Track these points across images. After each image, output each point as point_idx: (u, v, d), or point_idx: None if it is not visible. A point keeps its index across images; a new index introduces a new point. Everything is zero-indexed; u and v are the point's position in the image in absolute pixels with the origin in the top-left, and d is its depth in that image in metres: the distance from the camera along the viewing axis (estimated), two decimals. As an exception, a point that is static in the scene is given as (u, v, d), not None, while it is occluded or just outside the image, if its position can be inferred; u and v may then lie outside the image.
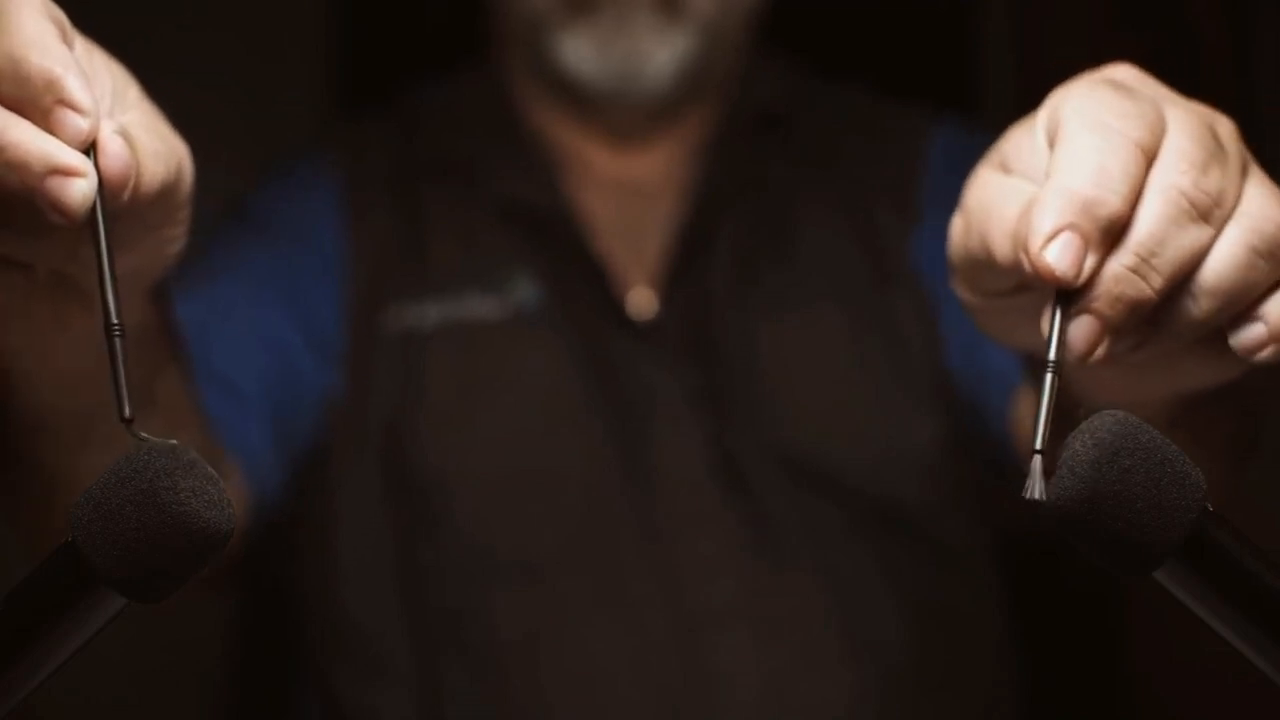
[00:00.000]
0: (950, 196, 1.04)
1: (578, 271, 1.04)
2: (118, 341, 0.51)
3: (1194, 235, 0.53)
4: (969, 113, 1.64)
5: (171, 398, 0.73)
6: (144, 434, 0.49)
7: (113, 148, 0.52)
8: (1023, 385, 0.89)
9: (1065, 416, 0.50)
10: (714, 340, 1.03)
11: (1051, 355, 0.52)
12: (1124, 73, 0.58)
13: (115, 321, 0.51)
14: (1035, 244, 0.52)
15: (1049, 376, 0.51)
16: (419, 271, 1.04)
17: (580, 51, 1.02)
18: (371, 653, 1.01)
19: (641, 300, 1.04)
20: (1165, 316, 0.55)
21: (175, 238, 0.60)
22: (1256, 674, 0.52)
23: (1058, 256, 0.52)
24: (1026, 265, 0.53)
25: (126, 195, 0.53)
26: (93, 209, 0.51)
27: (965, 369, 1.02)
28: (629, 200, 1.07)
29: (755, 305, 1.04)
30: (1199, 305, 0.54)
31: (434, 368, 1.02)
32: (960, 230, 0.60)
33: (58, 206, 0.51)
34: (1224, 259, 0.54)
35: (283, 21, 1.74)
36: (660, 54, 1.02)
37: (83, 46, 0.55)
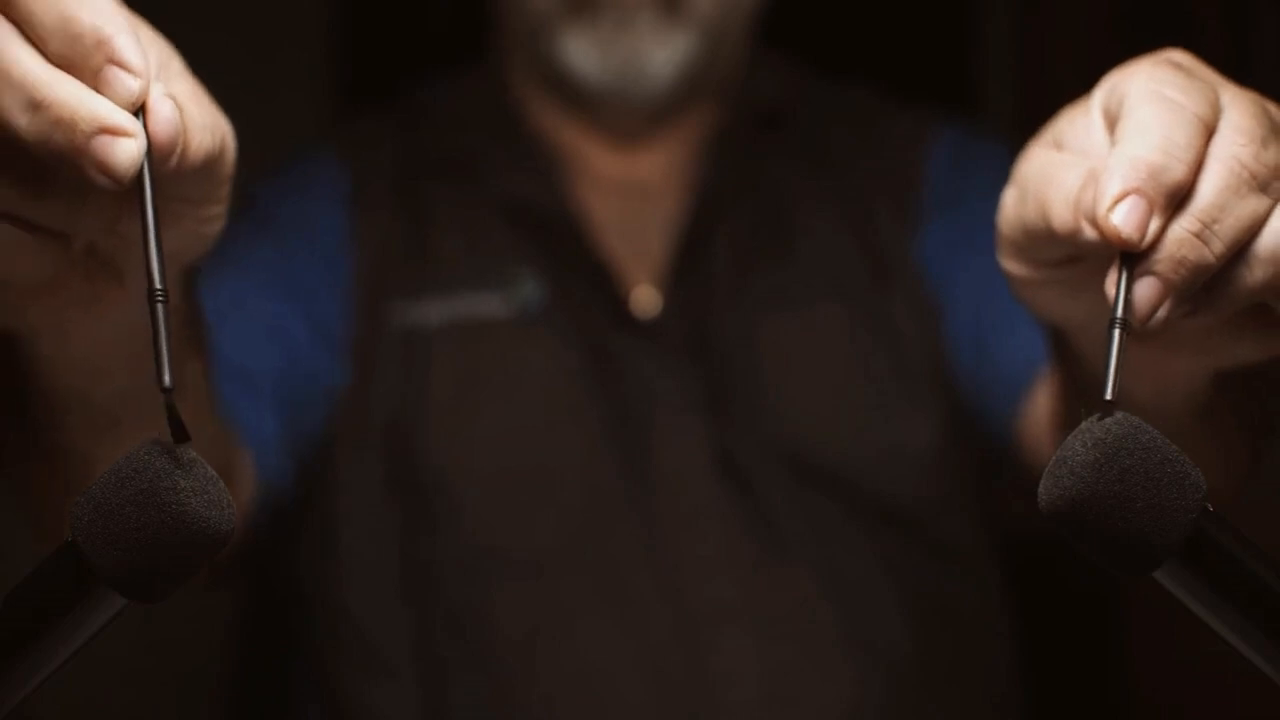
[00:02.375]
0: (957, 197, 1.06)
1: (580, 271, 1.04)
2: (160, 308, 0.49)
3: (1253, 204, 0.55)
4: (969, 113, 1.64)
5: (195, 383, 0.73)
6: (176, 407, 0.48)
7: (163, 111, 0.51)
8: (1041, 377, 0.89)
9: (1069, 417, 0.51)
10: (715, 339, 1.03)
11: (1119, 313, 0.54)
12: (1180, 56, 0.60)
13: (160, 287, 0.49)
14: (1102, 206, 0.54)
15: (1117, 333, 0.53)
16: (422, 270, 1.04)
17: (582, 51, 1.02)
18: (373, 649, 1.01)
19: (643, 299, 1.04)
20: (1220, 283, 0.56)
21: (215, 217, 0.59)
22: (1256, 674, 0.52)
23: (1124, 219, 0.54)
24: (1088, 231, 0.56)
25: (174, 162, 0.52)
26: (139, 172, 0.50)
27: (969, 369, 1.03)
28: (630, 200, 1.07)
29: (756, 304, 1.04)
30: (1254, 273, 0.56)
31: (437, 366, 1.02)
32: (1014, 201, 0.62)
33: (104, 167, 0.49)
34: None
35: (285, 20, 1.74)
36: (661, 54, 1.02)
37: (128, 14, 0.54)
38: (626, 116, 1.05)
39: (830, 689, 0.99)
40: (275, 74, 1.68)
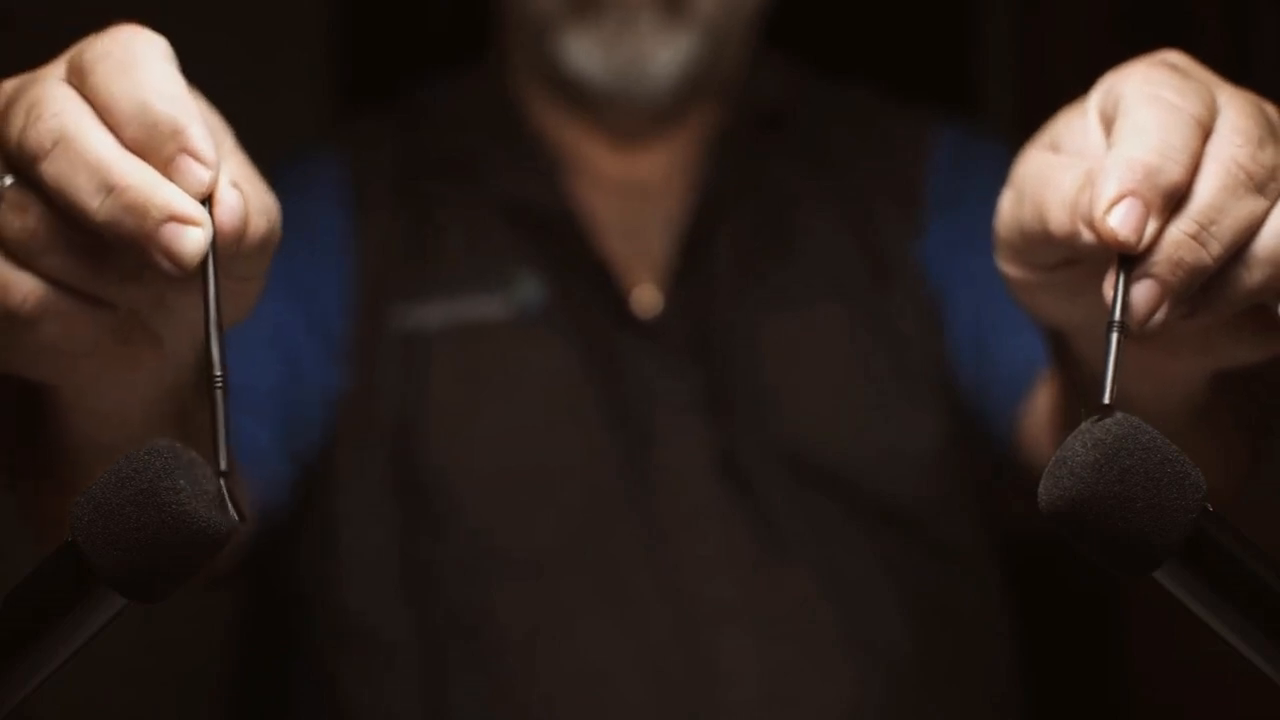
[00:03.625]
0: (958, 197, 1.06)
1: (581, 271, 1.04)
2: (219, 394, 0.51)
3: (1250, 206, 0.55)
4: (969, 113, 1.64)
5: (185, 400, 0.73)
6: (237, 494, 0.49)
7: (229, 200, 0.52)
8: (1041, 379, 0.89)
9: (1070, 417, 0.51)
10: (717, 339, 1.03)
11: (1116, 316, 0.54)
12: (1176, 57, 0.60)
13: (219, 374, 0.51)
14: (1099, 209, 0.54)
15: (1115, 335, 0.53)
16: (423, 270, 1.04)
17: (584, 52, 1.02)
18: (375, 649, 1.01)
19: (645, 299, 1.04)
20: (1219, 285, 0.56)
21: (256, 291, 0.59)
22: (1256, 674, 0.52)
23: (1121, 221, 0.54)
24: (1086, 233, 0.55)
25: (234, 248, 0.53)
26: (204, 260, 0.51)
27: (970, 369, 1.03)
28: (632, 200, 1.07)
29: (758, 304, 1.04)
30: (1252, 274, 0.56)
31: (438, 367, 1.02)
32: (1011, 204, 0.62)
33: (171, 254, 0.51)
34: (1279, 230, 0.55)
35: (285, 20, 1.74)
36: (664, 54, 1.02)
37: (198, 98, 0.55)
38: (629, 117, 1.05)
39: (830, 689, 0.99)
40: (275, 74, 1.68)
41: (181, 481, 0.48)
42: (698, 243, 1.05)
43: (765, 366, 1.03)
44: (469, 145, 1.08)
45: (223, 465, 0.49)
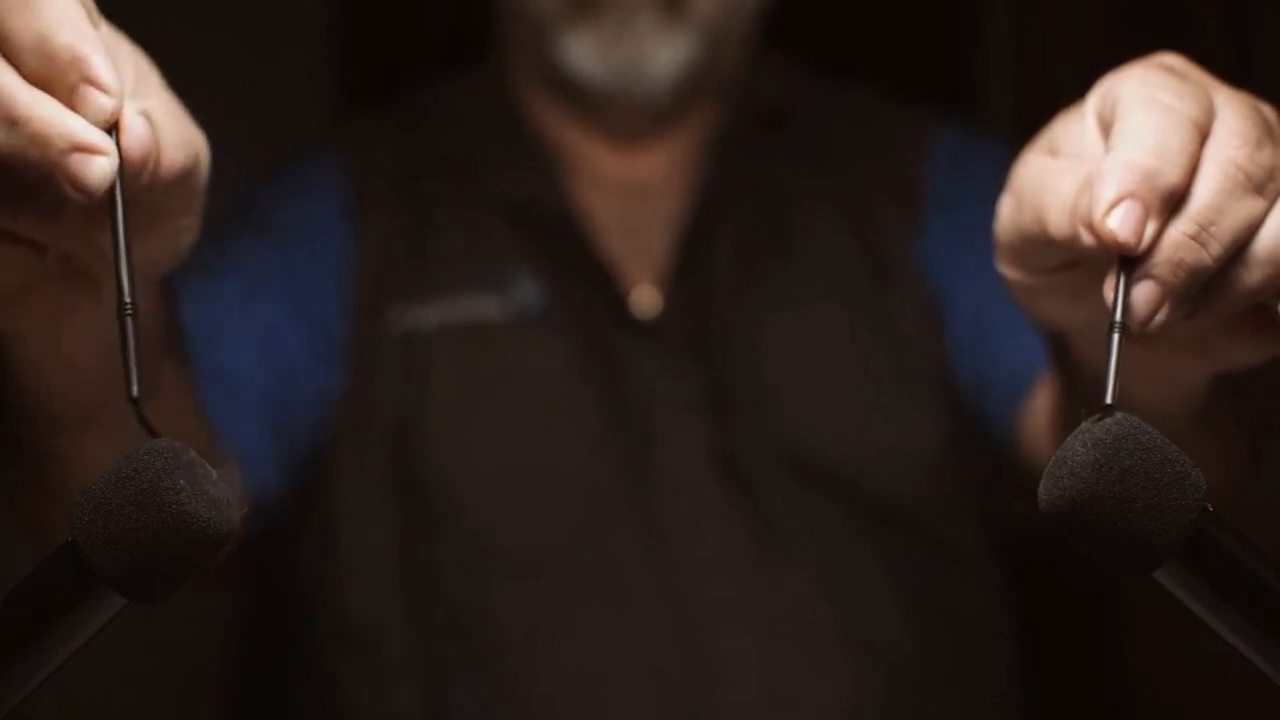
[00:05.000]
0: (958, 197, 1.06)
1: (581, 271, 1.04)
2: (129, 321, 0.50)
3: (1249, 206, 0.55)
4: (969, 113, 1.64)
5: (172, 390, 0.73)
6: (147, 416, 0.49)
7: (135, 128, 0.52)
8: (1041, 380, 0.89)
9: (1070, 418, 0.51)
10: (716, 339, 1.03)
11: (1117, 317, 0.54)
12: (1173, 59, 0.60)
13: (128, 301, 0.50)
14: (1099, 211, 0.54)
15: (1116, 336, 0.53)
16: (422, 271, 1.04)
17: (584, 52, 1.02)
18: (374, 650, 1.01)
19: (644, 299, 1.04)
20: (1219, 285, 0.56)
21: (188, 228, 0.60)
22: (1256, 674, 0.52)
23: (1120, 223, 0.54)
24: (1086, 236, 0.55)
25: (146, 178, 0.53)
26: (111, 189, 0.51)
27: (970, 370, 1.03)
28: (632, 200, 1.07)
29: (757, 304, 1.04)
30: (1252, 275, 0.56)
31: (438, 367, 1.02)
32: (1011, 208, 0.62)
33: (77, 183, 0.50)
34: (1278, 230, 0.56)
35: (285, 21, 1.74)
36: (663, 55, 1.02)
37: (107, 30, 0.55)
38: (628, 117, 1.05)
39: (830, 689, 0.99)
40: (276, 75, 1.68)
41: (181, 481, 0.48)
42: (697, 243, 1.05)
43: (765, 366, 1.03)
44: (469, 145, 1.08)
45: (134, 391, 0.49)
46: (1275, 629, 0.50)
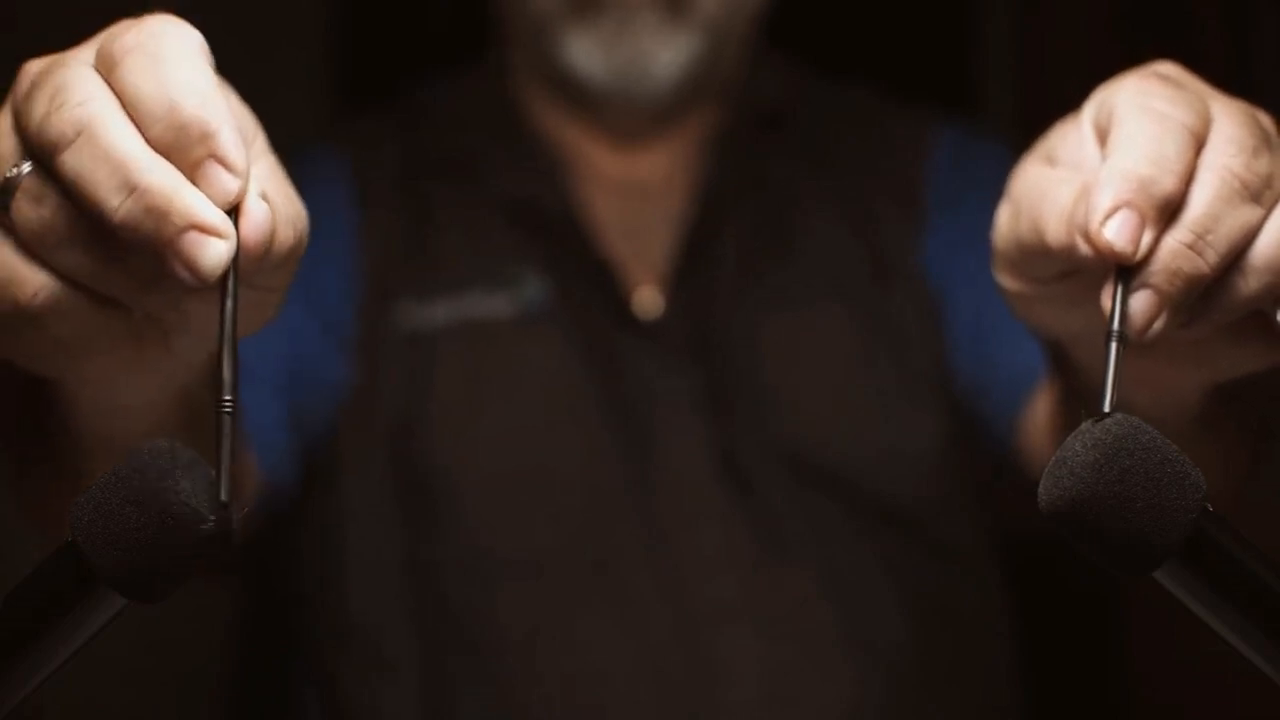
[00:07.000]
0: (958, 198, 1.06)
1: (583, 271, 1.04)
2: (226, 419, 0.48)
3: (1246, 214, 0.55)
4: (969, 113, 1.64)
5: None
6: (235, 520, 0.47)
7: (256, 214, 0.50)
8: (1041, 382, 0.89)
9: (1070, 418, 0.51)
10: (718, 339, 1.03)
11: (1115, 326, 0.54)
12: (1169, 68, 0.60)
13: (228, 398, 0.48)
14: (1095, 220, 0.54)
15: (1114, 345, 0.53)
16: (425, 270, 1.04)
17: (585, 51, 1.02)
18: (375, 649, 1.01)
19: (646, 299, 1.04)
20: (1216, 293, 0.56)
21: (277, 302, 0.57)
22: (1256, 674, 0.52)
23: (1116, 232, 0.54)
24: (1083, 245, 0.55)
25: (259, 264, 0.50)
26: (224, 274, 0.48)
27: (970, 370, 1.03)
28: (633, 200, 1.07)
29: (759, 304, 1.04)
30: (1249, 283, 0.56)
31: (441, 366, 1.02)
32: (1008, 217, 0.62)
33: (190, 264, 0.48)
34: (1275, 238, 0.56)
35: (283, 20, 1.74)
36: (665, 54, 1.02)
37: (225, 90, 0.52)
38: (630, 117, 1.05)
39: (830, 689, 0.99)
40: (274, 74, 1.67)
41: (182, 481, 0.48)
42: (698, 243, 1.05)
43: (765, 366, 1.03)
44: (469, 145, 1.08)
45: (223, 495, 0.47)
46: (1275, 629, 0.50)
